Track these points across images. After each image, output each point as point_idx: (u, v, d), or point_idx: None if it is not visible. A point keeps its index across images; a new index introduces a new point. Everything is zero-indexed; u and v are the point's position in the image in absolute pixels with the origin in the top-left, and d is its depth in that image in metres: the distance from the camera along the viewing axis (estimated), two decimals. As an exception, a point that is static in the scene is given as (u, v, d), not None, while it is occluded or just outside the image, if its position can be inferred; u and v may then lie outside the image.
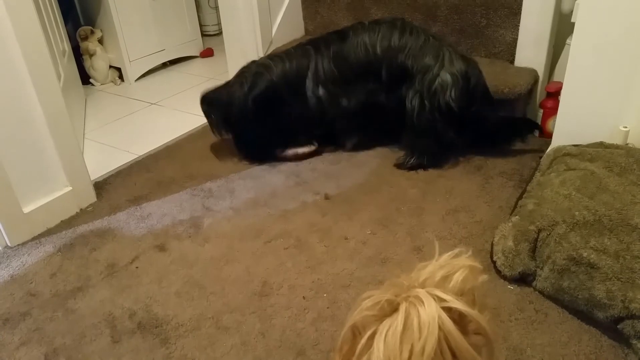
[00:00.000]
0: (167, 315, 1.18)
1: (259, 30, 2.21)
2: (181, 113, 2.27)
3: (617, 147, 1.34)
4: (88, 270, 1.34)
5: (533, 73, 1.83)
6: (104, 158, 1.92)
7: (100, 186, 1.69)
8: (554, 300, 1.16)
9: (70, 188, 1.55)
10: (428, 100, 1.62)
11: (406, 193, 1.58)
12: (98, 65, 2.56)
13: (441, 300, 0.52)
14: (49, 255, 1.40)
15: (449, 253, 0.59)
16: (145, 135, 2.10)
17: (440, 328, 0.50)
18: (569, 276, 1.10)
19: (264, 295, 1.22)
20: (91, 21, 2.58)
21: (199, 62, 2.92)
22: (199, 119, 2.12)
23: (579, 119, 1.45)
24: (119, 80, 2.65)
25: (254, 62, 1.78)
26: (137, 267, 1.34)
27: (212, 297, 1.22)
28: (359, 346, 0.53)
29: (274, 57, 1.77)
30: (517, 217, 1.27)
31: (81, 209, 1.59)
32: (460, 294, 0.55)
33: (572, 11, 1.59)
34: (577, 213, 1.14)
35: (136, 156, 1.90)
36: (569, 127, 1.48)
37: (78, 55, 2.52)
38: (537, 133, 1.81)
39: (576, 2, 1.45)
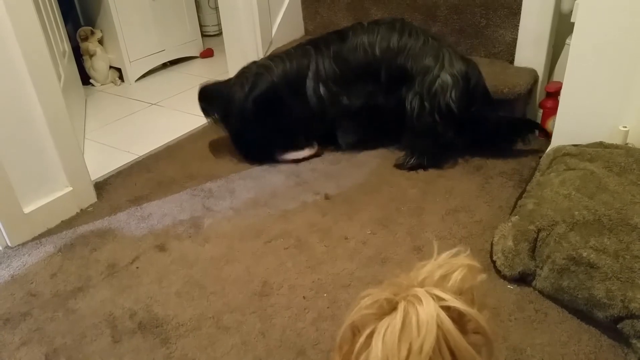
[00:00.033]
0: (168, 315, 1.18)
1: (259, 31, 2.22)
2: (181, 113, 2.27)
3: (616, 147, 1.34)
4: (88, 271, 1.34)
5: (533, 73, 1.83)
6: (104, 158, 1.92)
7: (100, 186, 1.70)
8: (554, 300, 1.16)
9: (71, 188, 1.55)
10: (428, 101, 1.62)
11: (406, 193, 1.58)
12: (98, 65, 2.56)
13: (440, 299, 0.52)
14: (50, 256, 1.40)
15: (448, 252, 0.59)
16: (145, 135, 2.10)
17: (438, 327, 0.50)
18: (569, 276, 1.11)
19: (264, 295, 1.22)
20: (91, 22, 2.58)
21: (199, 62, 2.92)
22: (199, 119, 2.12)
23: (578, 118, 1.45)
24: (119, 81, 2.65)
25: (254, 62, 1.78)
26: (137, 267, 1.34)
27: (213, 297, 1.23)
28: (358, 345, 0.54)
29: (274, 57, 1.77)
30: (516, 217, 1.27)
31: (81, 209, 1.59)
32: (459, 293, 0.55)
33: (571, 11, 1.59)
34: (576, 213, 1.14)
35: (136, 156, 1.91)
36: (569, 127, 1.48)
37: (78, 55, 2.52)
38: (537, 133, 1.81)
39: (576, 2, 1.45)
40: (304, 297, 1.21)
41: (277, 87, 1.71)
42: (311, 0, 2.33)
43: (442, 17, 2.01)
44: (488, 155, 1.73)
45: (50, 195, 1.51)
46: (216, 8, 3.09)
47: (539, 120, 1.86)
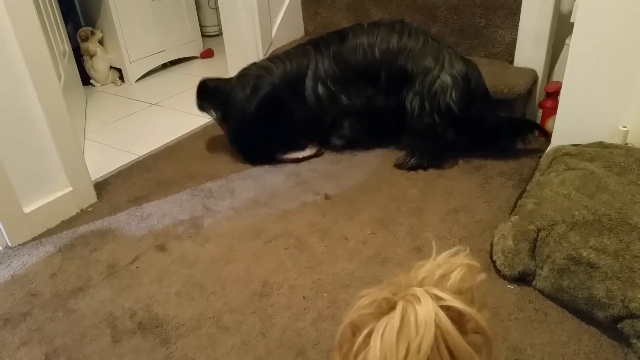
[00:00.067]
0: (168, 315, 1.18)
1: (259, 31, 2.22)
2: (181, 113, 2.27)
3: (616, 146, 1.34)
4: (88, 271, 1.34)
5: (532, 73, 1.83)
6: (104, 158, 1.92)
7: (100, 186, 1.70)
8: (554, 300, 1.16)
9: (71, 188, 1.55)
10: (428, 102, 1.62)
11: (406, 193, 1.58)
12: (98, 66, 2.56)
13: (439, 298, 0.52)
14: (50, 256, 1.40)
15: (447, 252, 0.59)
16: (145, 135, 2.10)
17: (437, 326, 0.50)
18: (569, 276, 1.11)
19: (264, 295, 1.22)
20: (91, 22, 2.59)
21: (199, 62, 2.92)
22: (200, 120, 2.12)
23: (578, 118, 1.45)
24: (119, 81, 2.65)
25: (254, 64, 1.79)
26: (137, 267, 1.34)
27: (213, 297, 1.23)
28: (356, 344, 0.54)
29: (274, 58, 1.77)
30: (516, 216, 1.27)
31: (82, 209, 1.59)
32: (458, 292, 0.55)
33: (571, 11, 1.59)
34: (576, 212, 1.14)
35: (136, 156, 1.91)
36: (569, 126, 1.48)
37: (78, 56, 2.52)
38: (536, 133, 1.81)
39: (575, 2, 1.45)
40: (304, 297, 1.21)
41: (278, 89, 1.71)
42: (311, 1, 2.33)
43: (441, 18, 2.01)
44: (488, 155, 1.73)
45: (50, 195, 1.51)
46: (216, 8, 3.10)
47: (538, 120, 1.85)
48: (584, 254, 1.08)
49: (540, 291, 1.18)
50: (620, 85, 1.35)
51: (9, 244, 1.44)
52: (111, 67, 2.63)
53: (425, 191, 1.58)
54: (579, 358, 1.02)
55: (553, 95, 1.78)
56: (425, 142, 1.68)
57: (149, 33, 2.65)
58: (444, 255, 0.59)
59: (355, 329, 0.57)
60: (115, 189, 1.69)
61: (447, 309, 0.52)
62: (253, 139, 1.78)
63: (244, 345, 1.09)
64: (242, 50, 2.25)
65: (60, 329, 1.16)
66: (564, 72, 1.43)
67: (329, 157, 1.82)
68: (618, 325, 1.04)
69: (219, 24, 2.88)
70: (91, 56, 2.54)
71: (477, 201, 1.51)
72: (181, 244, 1.42)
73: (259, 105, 1.71)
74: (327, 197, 1.58)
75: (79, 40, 2.52)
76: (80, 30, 2.50)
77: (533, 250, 1.20)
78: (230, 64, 2.34)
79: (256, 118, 1.72)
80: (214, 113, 1.79)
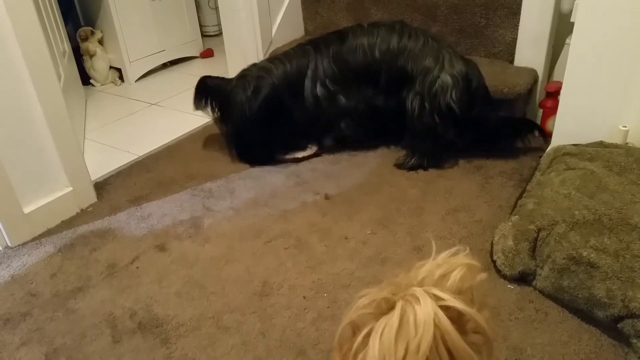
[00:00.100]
0: (168, 315, 1.18)
1: (259, 31, 2.21)
2: (181, 113, 2.27)
3: (616, 146, 1.34)
4: (88, 271, 1.34)
5: (532, 73, 1.83)
6: (104, 158, 1.92)
7: (100, 186, 1.70)
8: (554, 300, 1.16)
9: (71, 188, 1.55)
10: (428, 102, 1.62)
11: (406, 193, 1.58)
12: (98, 65, 2.56)
13: (438, 298, 0.52)
14: (50, 256, 1.40)
15: (447, 251, 0.59)
16: (145, 135, 2.10)
17: (436, 326, 0.50)
18: (569, 275, 1.10)
19: (264, 295, 1.22)
20: (91, 22, 2.59)
21: (199, 62, 2.92)
22: (199, 119, 2.12)
23: (578, 118, 1.45)
24: (119, 81, 2.65)
25: (254, 65, 1.78)
26: (137, 267, 1.34)
27: (213, 297, 1.23)
28: (356, 344, 0.53)
29: (274, 59, 1.76)
30: (517, 216, 1.27)
31: (81, 209, 1.59)
32: (458, 292, 0.55)
33: (571, 11, 1.59)
34: (577, 212, 1.14)
35: (136, 156, 1.91)
36: (569, 126, 1.48)
37: (78, 55, 2.52)
38: (536, 134, 1.81)
39: (575, 2, 1.45)
40: (304, 297, 1.20)
41: (278, 89, 1.71)
42: (311, 1, 2.33)
43: (442, 17, 2.01)
44: (488, 155, 1.73)
45: (50, 195, 1.51)
46: (216, 8, 3.09)
47: (538, 120, 1.85)
48: (584, 253, 1.08)
49: (541, 291, 1.18)
50: (620, 85, 1.35)
51: (9, 244, 1.44)
52: (111, 67, 2.63)
53: (425, 191, 1.58)
54: (579, 358, 1.02)
55: (553, 95, 1.78)
56: (425, 142, 1.68)
57: (149, 33, 2.65)
58: (444, 255, 0.58)
59: (355, 329, 0.57)
60: (115, 189, 1.69)
61: (446, 309, 0.52)
62: (253, 139, 1.77)
63: (244, 345, 1.09)
64: (242, 50, 2.25)
65: (60, 329, 1.16)
66: (564, 72, 1.43)
67: (329, 157, 1.82)
68: (618, 325, 1.04)
69: (219, 24, 2.87)
70: (91, 56, 2.54)
71: (477, 201, 1.51)
72: (181, 244, 1.42)
73: (260, 106, 1.71)
74: (327, 197, 1.58)
75: (79, 40, 2.52)
76: (80, 30, 2.50)
77: (533, 250, 1.20)
78: (230, 63, 2.34)
79: (257, 119, 1.72)
80: (211, 112, 1.78)
